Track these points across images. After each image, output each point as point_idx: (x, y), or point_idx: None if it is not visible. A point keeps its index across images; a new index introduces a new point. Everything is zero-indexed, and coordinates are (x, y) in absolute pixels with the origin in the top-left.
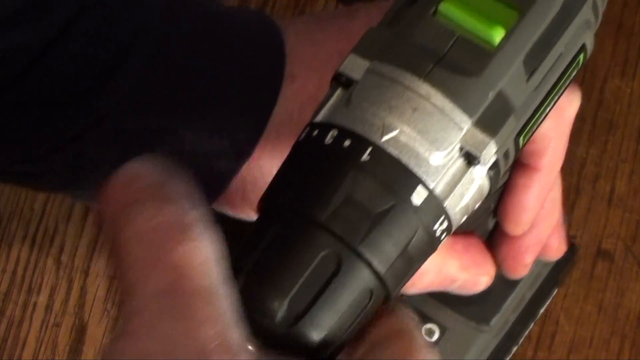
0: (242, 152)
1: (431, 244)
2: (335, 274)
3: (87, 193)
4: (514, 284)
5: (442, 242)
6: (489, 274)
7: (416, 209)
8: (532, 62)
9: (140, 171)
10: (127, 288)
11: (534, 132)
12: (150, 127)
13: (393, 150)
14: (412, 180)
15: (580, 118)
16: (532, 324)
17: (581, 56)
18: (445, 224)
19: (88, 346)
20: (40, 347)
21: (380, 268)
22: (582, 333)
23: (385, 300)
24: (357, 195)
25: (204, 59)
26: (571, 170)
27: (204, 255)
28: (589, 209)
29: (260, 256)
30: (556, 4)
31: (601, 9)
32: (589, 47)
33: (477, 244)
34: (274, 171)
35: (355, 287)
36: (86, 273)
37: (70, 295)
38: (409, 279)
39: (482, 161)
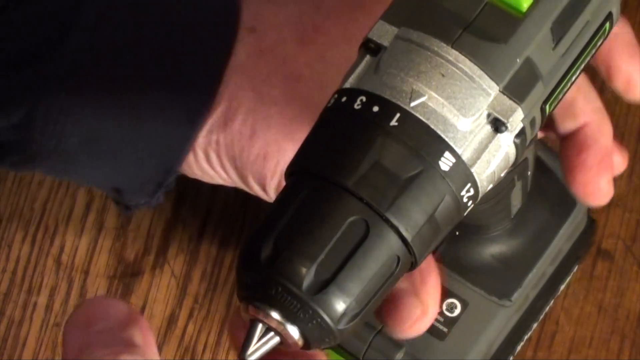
0: (201, 105)
1: (458, 211)
2: (362, 240)
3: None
4: (535, 259)
5: (468, 210)
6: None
7: (444, 174)
8: (559, 30)
9: (99, 312)
10: None
11: (560, 101)
12: (109, 82)
13: (421, 116)
14: (440, 145)
15: None
16: (552, 301)
17: (607, 24)
18: (472, 191)
19: None
20: (40, 347)
21: (408, 234)
22: (582, 333)
23: (411, 268)
24: (385, 161)
25: (151, 20)
26: None
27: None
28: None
29: (288, 222)
30: None
31: None
32: (615, 15)
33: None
34: (227, 113)
35: (382, 253)
36: (86, 273)
37: (70, 295)
38: (435, 247)
39: (509, 128)
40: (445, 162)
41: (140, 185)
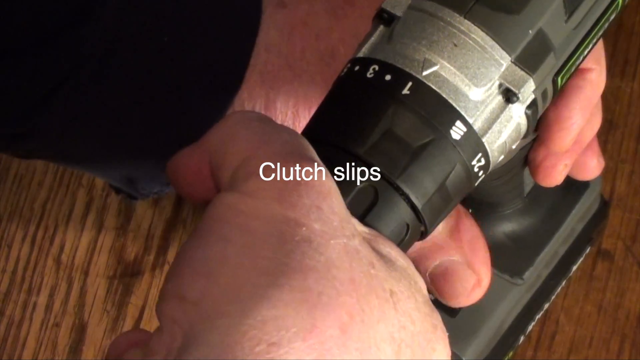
0: (230, 85)
1: (468, 180)
2: (371, 206)
3: (83, 154)
4: (548, 238)
5: (479, 180)
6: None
7: (455, 143)
8: (572, 2)
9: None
10: (233, 150)
11: (572, 73)
12: (133, 63)
13: (433, 85)
14: (452, 114)
15: None
16: (564, 281)
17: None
18: (483, 161)
19: (88, 346)
20: (40, 347)
21: (418, 202)
22: (582, 333)
23: (422, 236)
24: (397, 129)
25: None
26: None
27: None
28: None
29: None
30: None
31: None
32: None
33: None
34: (260, 89)
35: (391, 220)
36: (86, 273)
37: (70, 295)
38: (445, 215)
39: (520, 98)
40: (457, 131)
41: (159, 171)
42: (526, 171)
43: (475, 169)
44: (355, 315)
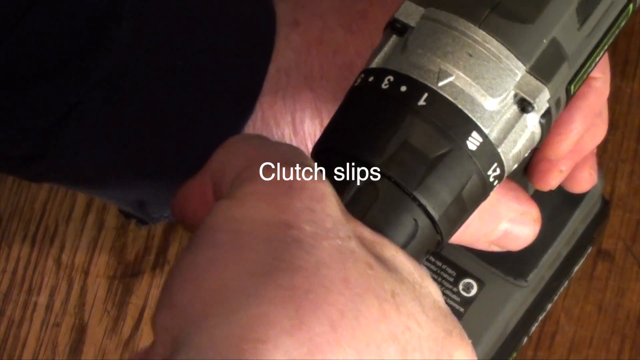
0: (244, 108)
1: (484, 190)
2: (387, 214)
3: (95, 178)
4: (551, 240)
5: (494, 189)
6: (535, 217)
7: (471, 154)
8: (585, 10)
9: None
10: (233, 161)
11: (584, 81)
12: (148, 86)
13: (449, 96)
14: (468, 125)
15: None
16: (566, 282)
17: (630, 6)
18: (498, 171)
19: (88, 346)
20: (40, 347)
21: (435, 213)
22: (582, 333)
23: (438, 246)
24: (413, 140)
25: (195, 11)
26: None
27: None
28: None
29: None
30: None
31: None
32: None
33: (520, 190)
34: (286, 115)
35: (404, 227)
36: (86, 273)
37: (70, 295)
38: (461, 225)
39: (535, 108)
40: (473, 142)
41: (171, 195)
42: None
43: (491, 179)
44: (348, 312)
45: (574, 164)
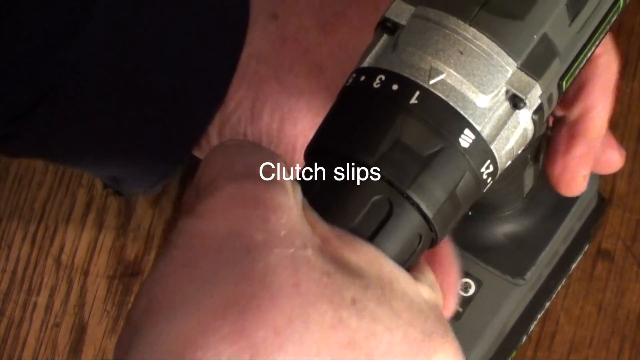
0: (216, 93)
1: (478, 187)
2: (386, 219)
3: (69, 156)
4: (548, 237)
5: (487, 187)
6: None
7: (464, 151)
8: (575, 5)
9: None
10: (204, 176)
11: (576, 77)
12: (121, 73)
13: (441, 93)
14: (460, 123)
15: None
16: (564, 279)
17: (621, 0)
18: (491, 167)
19: (88, 346)
20: (40, 347)
21: (429, 211)
22: (582, 333)
23: (432, 244)
24: (406, 139)
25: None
26: None
27: (280, 164)
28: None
29: (310, 202)
30: None
31: None
32: None
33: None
34: (247, 101)
35: (405, 231)
36: (86, 273)
37: (70, 295)
38: (455, 223)
39: (527, 104)
40: (465, 139)
41: (144, 175)
42: (526, 172)
43: (484, 176)
44: (296, 318)
45: (591, 163)
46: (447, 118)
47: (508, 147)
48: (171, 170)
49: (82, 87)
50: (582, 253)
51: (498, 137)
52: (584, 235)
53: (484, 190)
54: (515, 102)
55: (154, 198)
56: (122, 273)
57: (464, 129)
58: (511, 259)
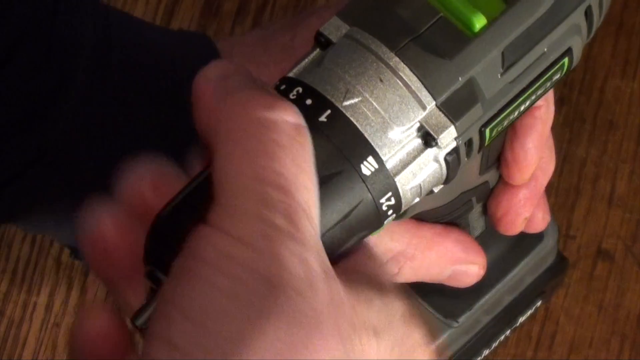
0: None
1: (376, 218)
2: None
3: (36, 224)
4: (490, 285)
5: (389, 219)
6: (480, 263)
7: (364, 178)
8: (511, 56)
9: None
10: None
11: (505, 128)
12: (95, 155)
13: (351, 116)
14: (365, 149)
15: (580, 118)
16: (508, 330)
17: (566, 60)
18: (393, 200)
19: None
20: (40, 347)
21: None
22: (582, 333)
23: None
24: None
25: (141, 78)
26: (571, 171)
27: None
28: (589, 209)
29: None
30: (545, 3)
31: (597, 18)
32: (576, 53)
33: (466, 236)
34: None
35: None
36: (86, 273)
37: (70, 295)
38: (348, 248)
39: (439, 144)
40: (367, 167)
41: None
42: (472, 215)
43: (384, 207)
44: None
45: (534, 206)
46: (352, 142)
47: (414, 183)
48: None
49: (55, 165)
50: (533, 308)
51: (404, 172)
52: (536, 290)
53: (385, 223)
54: (427, 139)
55: None
56: None
57: (367, 156)
58: (447, 299)
